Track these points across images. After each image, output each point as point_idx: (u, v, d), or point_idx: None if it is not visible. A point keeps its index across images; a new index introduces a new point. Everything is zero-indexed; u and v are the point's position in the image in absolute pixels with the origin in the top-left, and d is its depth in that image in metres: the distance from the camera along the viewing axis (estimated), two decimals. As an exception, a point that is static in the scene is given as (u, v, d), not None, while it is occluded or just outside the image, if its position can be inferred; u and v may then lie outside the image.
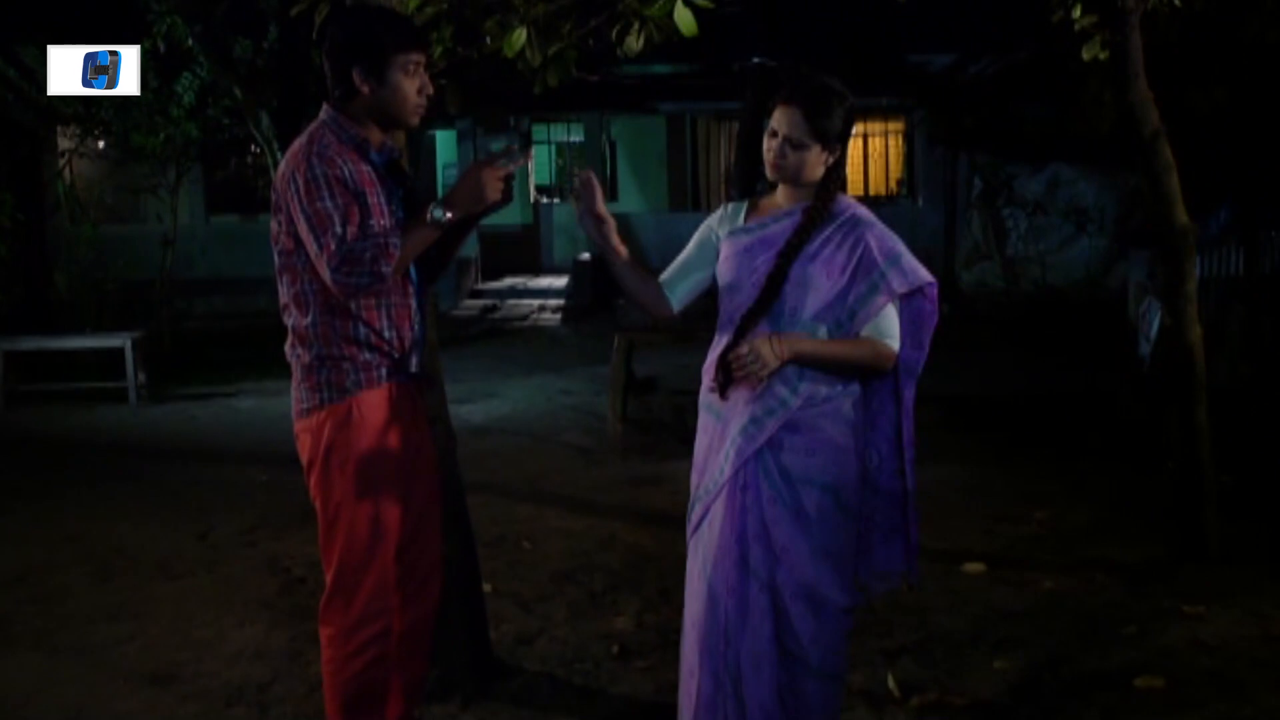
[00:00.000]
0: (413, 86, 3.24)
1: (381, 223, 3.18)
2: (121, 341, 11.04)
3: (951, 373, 10.50)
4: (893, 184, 21.75)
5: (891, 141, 21.72)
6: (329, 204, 3.09)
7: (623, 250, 3.41)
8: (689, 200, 21.42)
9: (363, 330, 3.23)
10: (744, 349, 3.12)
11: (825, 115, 3.21)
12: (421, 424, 3.47)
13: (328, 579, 3.32)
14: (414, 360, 3.36)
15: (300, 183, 3.12)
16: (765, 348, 3.12)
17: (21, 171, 14.72)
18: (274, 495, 7.12)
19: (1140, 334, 10.30)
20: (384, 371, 3.27)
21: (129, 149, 14.09)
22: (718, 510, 3.26)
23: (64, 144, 15.61)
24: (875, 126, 21.71)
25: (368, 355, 3.24)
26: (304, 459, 3.32)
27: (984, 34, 15.71)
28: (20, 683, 4.50)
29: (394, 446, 3.29)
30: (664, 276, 3.51)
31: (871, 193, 21.42)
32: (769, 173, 3.29)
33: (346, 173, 3.15)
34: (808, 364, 3.19)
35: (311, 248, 3.12)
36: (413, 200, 3.39)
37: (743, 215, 3.42)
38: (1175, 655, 4.43)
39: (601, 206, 3.33)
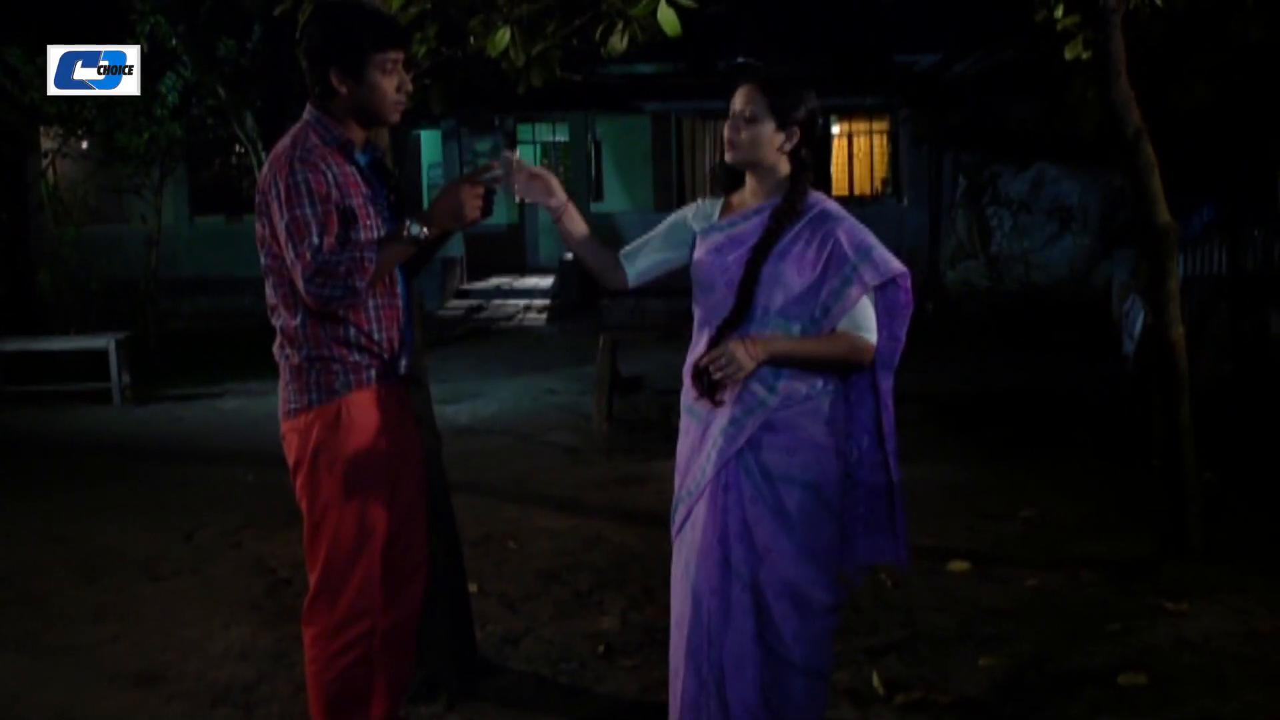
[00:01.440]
0: (391, 84, 3.23)
1: (367, 223, 3.18)
2: (106, 342, 11.01)
3: (936, 371, 10.56)
4: (878, 183, 21.79)
5: (876, 141, 21.76)
6: (308, 212, 3.08)
7: (569, 206, 3.41)
8: (674, 199, 21.40)
9: (352, 332, 3.22)
10: (717, 353, 3.12)
11: (780, 92, 3.23)
12: (409, 425, 3.47)
13: (312, 579, 3.31)
14: (403, 362, 3.36)
15: (281, 188, 3.11)
16: (739, 350, 3.11)
17: (4, 172, 14.68)
18: (260, 496, 7.11)
19: (1124, 332, 10.33)
20: (373, 373, 3.27)
21: (113, 149, 14.04)
22: (700, 511, 3.27)
23: (47, 144, 15.54)
24: (860, 126, 21.77)
25: (357, 356, 3.24)
26: (290, 460, 3.31)
27: (969, 33, 15.73)
28: (6, 684, 4.49)
29: (382, 448, 3.29)
30: (625, 250, 3.48)
31: (856, 192, 21.46)
32: (726, 154, 3.30)
33: (331, 176, 3.14)
34: (783, 364, 3.20)
35: (288, 255, 3.11)
36: (399, 200, 3.39)
37: (717, 212, 3.42)
38: (1159, 652, 4.45)
39: (531, 169, 3.39)
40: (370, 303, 3.24)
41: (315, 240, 3.07)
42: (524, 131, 23.62)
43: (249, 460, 8.13)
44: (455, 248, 19.92)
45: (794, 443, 3.22)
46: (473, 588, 4.84)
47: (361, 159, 3.28)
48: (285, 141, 3.21)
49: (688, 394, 3.36)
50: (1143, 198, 5.43)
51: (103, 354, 11.03)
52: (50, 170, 14.47)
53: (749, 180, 3.36)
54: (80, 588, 5.61)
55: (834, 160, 21.71)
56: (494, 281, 20.96)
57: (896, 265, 3.24)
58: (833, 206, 3.31)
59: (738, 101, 3.27)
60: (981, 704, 4.09)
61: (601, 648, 4.63)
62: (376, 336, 3.26)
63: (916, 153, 18.98)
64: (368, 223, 3.19)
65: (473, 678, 4.29)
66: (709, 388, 3.20)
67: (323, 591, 3.29)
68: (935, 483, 6.97)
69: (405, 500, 3.40)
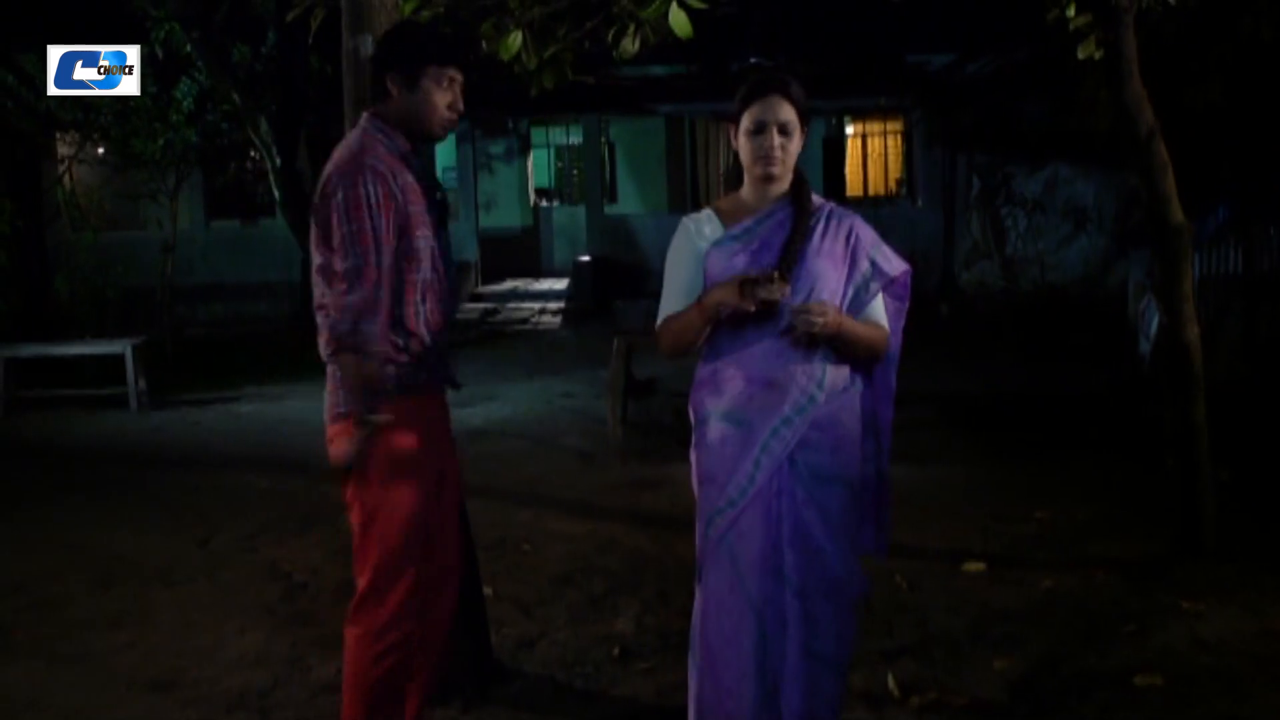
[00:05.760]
0: (444, 99, 3.28)
1: (421, 231, 3.22)
2: (122, 348, 11.05)
3: (951, 372, 10.53)
4: (892, 184, 21.77)
5: (890, 142, 21.74)
6: (367, 226, 3.10)
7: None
8: (688, 201, 21.40)
9: (403, 336, 3.25)
10: (816, 305, 3.09)
11: (802, 97, 3.26)
12: (449, 430, 3.51)
13: (361, 581, 3.32)
14: (448, 366, 3.39)
15: (346, 196, 3.11)
16: (833, 310, 3.11)
17: (21, 178, 14.76)
18: (275, 501, 7.11)
19: (1140, 332, 10.30)
20: (422, 377, 3.31)
21: (128, 155, 14.10)
22: (752, 520, 3.20)
23: (63, 150, 15.63)
24: (874, 127, 21.74)
25: (407, 360, 3.26)
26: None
27: (982, 33, 15.71)
28: (21, 690, 4.50)
29: (429, 451, 3.33)
30: (674, 310, 3.36)
31: (871, 193, 21.44)
32: (767, 168, 3.26)
33: (396, 188, 3.16)
34: (844, 341, 3.19)
35: (338, 261, 3.12)
36: (444, 200, 3.43)
37: (716, 223, 3.38)
38: (1174, 652, 4.44)
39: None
40: (422, 307, 3.27)
41: (360, 262, 3.09)
42: (538, 134, 23.66)
43: (264, 465, 8.14)
44: (470, 251, 19.94)
45: (836, 440, 3.23)
46: (487, 592, 4.85)
47: (416, 165, 3.33)
48: (354, 148, 3.21)
49: (719, 399, 3.29)
50: (1156, 198, 5.41)
51: (119, 359, 11.08)
52: (66, 177, 14.55)
53: (756, 186, 3.33)
54: (95, 594, 5.63)
55: (848, 161, 21.70)
56: (508, 284, 21.00)
57: (902, 261, 3.34)
58: (833, 204, 3.37)
59: (774, 114, 3.23)
60: (996, 706, 4.08)
61: (616, 651, 4.63)
62: (427, 341, 3.29)
63: (930, 154, 18.98)
64: (421, 231, 3.23)
65: (488, 682, 4.29)
66: (763, 301, 3.08)
67: (371, 593, 3.31)
68: (950, 484, 6.96)
69: (446, 504, 3.44)
